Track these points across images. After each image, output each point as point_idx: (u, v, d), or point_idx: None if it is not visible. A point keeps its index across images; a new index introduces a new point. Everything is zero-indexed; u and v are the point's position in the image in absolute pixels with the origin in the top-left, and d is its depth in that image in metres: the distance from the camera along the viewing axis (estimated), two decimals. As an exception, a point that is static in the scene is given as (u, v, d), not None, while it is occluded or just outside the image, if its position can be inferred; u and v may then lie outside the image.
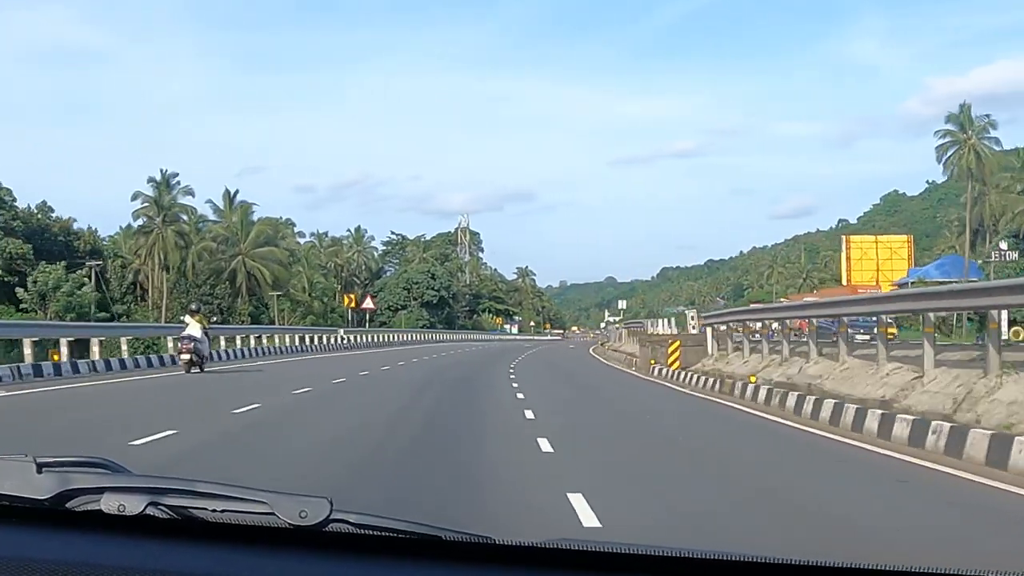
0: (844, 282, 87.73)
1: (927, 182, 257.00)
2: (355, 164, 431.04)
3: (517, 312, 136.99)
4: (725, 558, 1.42)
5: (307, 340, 50.61)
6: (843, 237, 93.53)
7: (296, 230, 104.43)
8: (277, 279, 66.16)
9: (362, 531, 1.47)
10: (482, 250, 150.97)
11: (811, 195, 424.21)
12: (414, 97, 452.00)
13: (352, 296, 58.86)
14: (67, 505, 1.53)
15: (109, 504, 1.50)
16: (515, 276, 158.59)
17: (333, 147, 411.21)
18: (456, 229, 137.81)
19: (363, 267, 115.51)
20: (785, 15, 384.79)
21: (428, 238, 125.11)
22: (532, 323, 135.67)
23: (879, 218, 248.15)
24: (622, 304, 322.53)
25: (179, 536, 1.50)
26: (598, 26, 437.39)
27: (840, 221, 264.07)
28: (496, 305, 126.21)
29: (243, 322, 60.06)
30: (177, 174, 67.51)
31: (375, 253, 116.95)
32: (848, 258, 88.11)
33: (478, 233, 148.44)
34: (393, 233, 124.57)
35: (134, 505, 1.50)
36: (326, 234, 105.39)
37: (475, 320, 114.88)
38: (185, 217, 67.14)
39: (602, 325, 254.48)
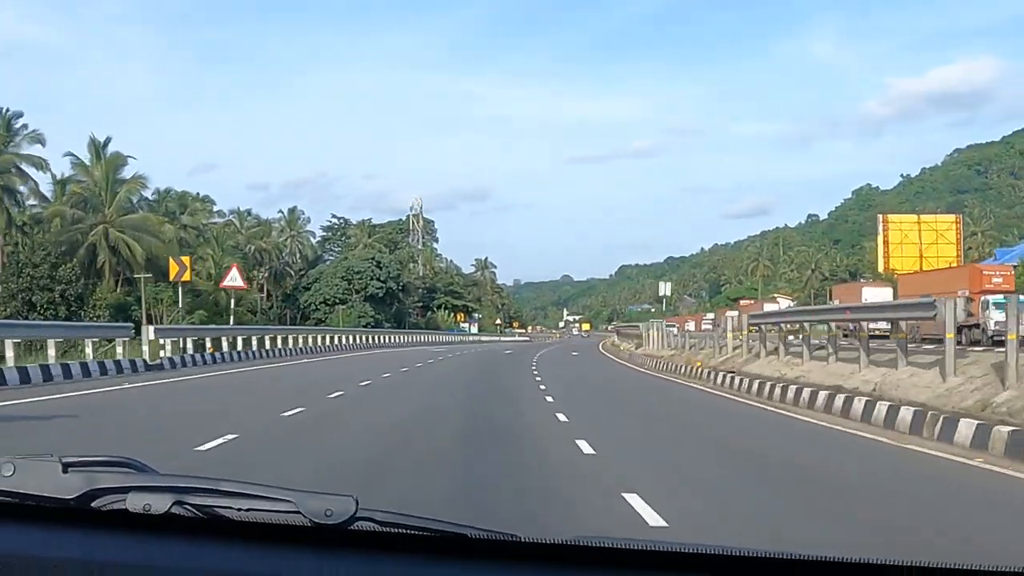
0: (881, 269, 71.34)
1: (901, 175, 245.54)
2: (309, 162, 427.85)
3: (477, 308, 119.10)
4: (758, 555, 1.40)
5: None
6: (879, 217, 76.71)
7: (216, 209, 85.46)
8: (156, 258, 47.24)
9: (388, 529, 1.46)
10: (436, 240, 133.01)
11: (770, 193, 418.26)
12: (370, 95, 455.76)
13: (185, 260, 38.92)
14: (93, 504, 1.52)
15: (135, 503, 1.49)
16: (473, 269, 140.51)
17: (287, 145, 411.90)
18: (408, 216, 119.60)
19: (298, 255, 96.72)
20: (742, 16, 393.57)
21: (375, 222, 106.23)
22: (497, 321, 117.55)
23: (852, 212, 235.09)
24: (584, 302, 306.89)
25: (205, 535, 1.49)
26: (555, 26, 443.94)
27: (810, 216, 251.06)
28: (453, 301, 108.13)
29: (97, 317, 41.39)
30: (21, 114, 48.75)
31: (312, 239, 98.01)
32: (886, 241, 71.47)
33: (432, 221, 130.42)
34: (334, 216, 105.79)
35: (160, 504, 1.49)
36: (248, 212, 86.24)
37: (429, 317, 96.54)
38: (33, 172, 48.13)
39: (561, 324, 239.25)
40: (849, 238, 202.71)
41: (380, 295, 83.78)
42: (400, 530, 1.46)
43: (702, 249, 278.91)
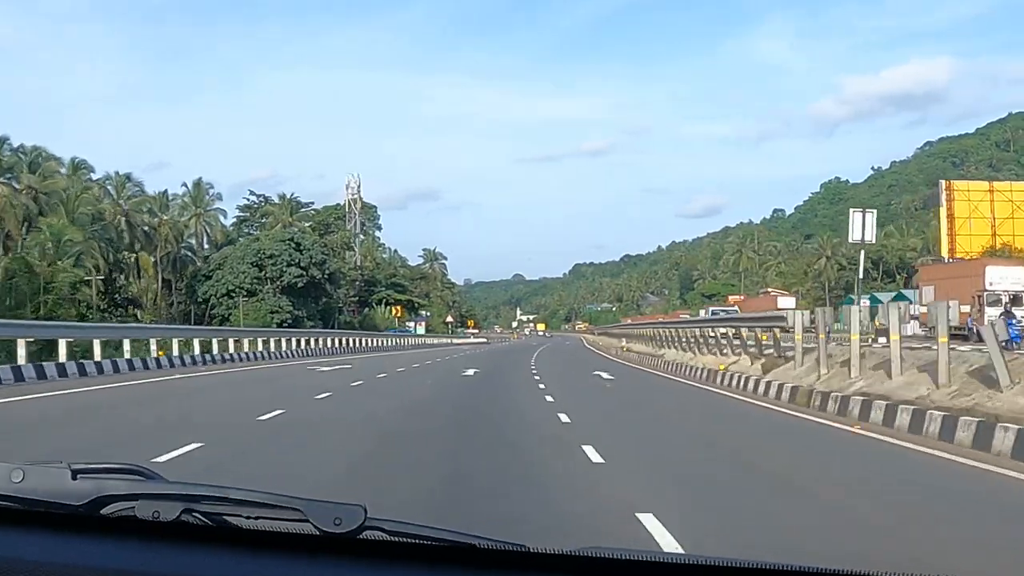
0: (946, 251, 55.04)
1: (872, 168, 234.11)
2: (262, 162, 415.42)
3: (425, 305, 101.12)
4: (771, 568, 1.40)
5: None
6: (942, 183, 60.24)
7: (96, 177, 66.52)
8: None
9: (396, 539, 1.46)
10: (379, 228, 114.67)
11: (725, 192, 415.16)
12: (321, 95, 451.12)
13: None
14: (102, 511, 1.51)
15: (144, 511, 1.49)
16: (421, 261, 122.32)
17: (240, 144, 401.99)
18: (346, 199, 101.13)
19: (205, 237, 78.01)
20: (694, 17, 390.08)
21: (302, 199, 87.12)
22: (447, 319, 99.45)
23: (821, 206, 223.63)
24: (538, 301, 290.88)
25: (213, 543, 1.49)
26: (509, 26, 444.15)
27: (775, 211, 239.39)
28: (396, 295, 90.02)
29: None
30: None
31: (222, 219, 79.21)
32: (951, 216, 55.16)
33: (374, 207, 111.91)
34: (253, 194, 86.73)
35: (169, 512, 1.48)
36: (128, 177, 67.28)
37: (366, 314, 78.11)
38: None
39: (514, 324, 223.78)
40: (821, 232, 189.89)
41: (300, 285, 65.43)
42: (409, 539, 1.45)
43: (659, 247, 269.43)
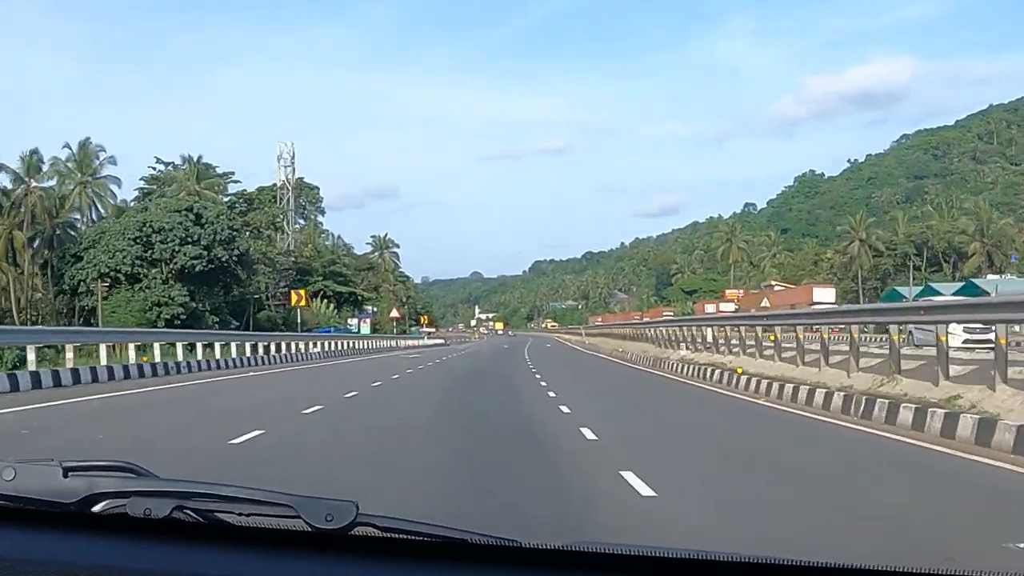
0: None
1: (848, 161, 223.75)
2: (218, 159, 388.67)
3: (373, 299, 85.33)
4: (754, 561, 1.40)
5: None
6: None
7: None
8: None
9: (388, 535, 1.44)
10: (322, 212, 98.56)
11: (685, 191, 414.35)
12: (278, 92, 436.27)
13: None
14: (93, 509, 1.50)
15: (135, 508, 1.47)
16: (370, 249, 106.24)
17: (197, 143, 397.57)
18: (278, 172, 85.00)
19: (94, 213, 61.56)
20: (654, 17, 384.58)
21: (220, 170, 70.15)
22: (393, 314, 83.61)
23: (795, 200, 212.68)
24: (498, 299, 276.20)
25: (205, 540, 1.48)
26: (468, 25, 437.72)
27: (747, 205, 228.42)
28: (336, 286, 74.10)
29: None
30: None
31: (114, 190, 62.68)
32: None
33: (317, 187, 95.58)
34: (160, 162, 69.74)
35: (160, 509, 1.47)
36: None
37: (291, 310, 61.81)
38: None
39: (472, 323, 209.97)
40: (798, 227, 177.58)
41: (199, 269, 49.34)
42: (400, 535, 1.44)
43: (622, 244, 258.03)
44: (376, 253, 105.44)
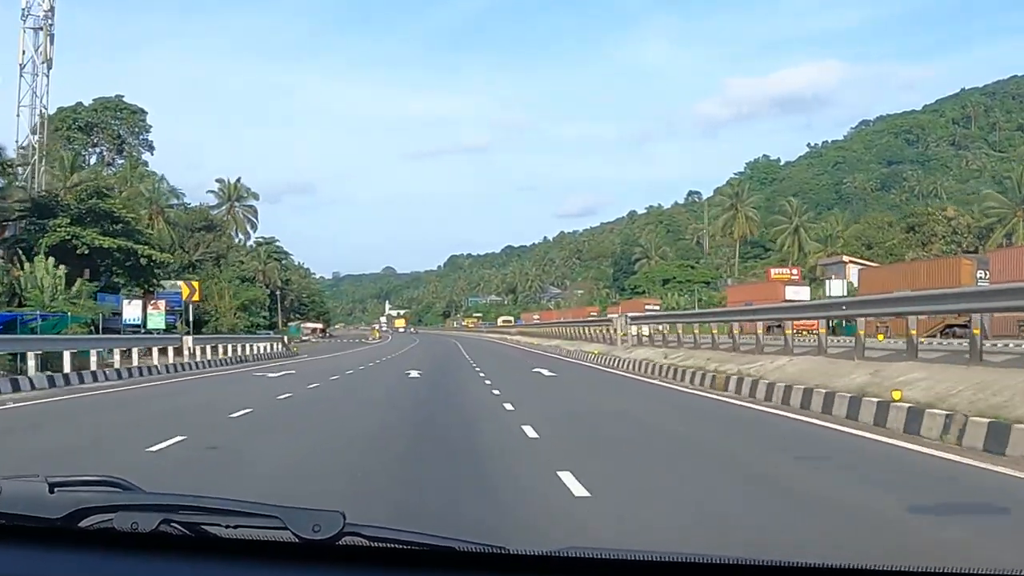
0: None
1: (808, 145, 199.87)
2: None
3: (202, 271, 51.52)
4: (739, 563, 1.38)
5: None
6: None
7: None
8: None
9: (375, 544, 1.41)
10: (150, 147, 64.30)
11: (604, 191, 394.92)
12: (195, 84, 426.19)
13: None
14: (80, 524, 1.46)
15: (122, 522, 1.44)
16: (214, 198, 71.42)
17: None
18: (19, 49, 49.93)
19: None
20: (575, 17, 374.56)
21: None
22: (232, 307, 49.39)
23: (750, 187, 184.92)
24: (411, 294, 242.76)
25: (193, 553, 1.45)
26: (387, 20, 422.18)
27: (691, 193, 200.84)
28: (100, 238, 39.18)
29: None
30: None
31: None
32: None
33: (142, 110, 61.01)
34: None
35: (147, 523, 1.43)
36: None
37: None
38: None
39: (382, 319, 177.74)
40: (759, 213, 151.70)
41: None
42: (388, 544, 1.41)
43: (545, 238, 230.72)
44: (223, 205, 70.72)
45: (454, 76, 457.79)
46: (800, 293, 46.52)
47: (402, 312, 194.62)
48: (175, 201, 56.30)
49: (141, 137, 64.40)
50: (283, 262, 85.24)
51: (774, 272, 57.51)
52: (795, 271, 57.86)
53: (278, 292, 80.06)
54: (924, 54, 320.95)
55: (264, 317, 61.46)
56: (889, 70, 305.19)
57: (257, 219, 73.53)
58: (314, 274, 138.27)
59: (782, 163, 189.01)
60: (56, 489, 1.46)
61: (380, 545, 1.39)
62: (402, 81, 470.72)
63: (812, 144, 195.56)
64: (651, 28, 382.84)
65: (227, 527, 1.43)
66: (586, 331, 43.83)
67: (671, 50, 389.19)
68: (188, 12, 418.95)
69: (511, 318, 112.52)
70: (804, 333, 43.27)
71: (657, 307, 60.20)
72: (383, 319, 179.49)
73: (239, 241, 72.96)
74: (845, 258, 59.70)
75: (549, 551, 1.39)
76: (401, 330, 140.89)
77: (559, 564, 1.39)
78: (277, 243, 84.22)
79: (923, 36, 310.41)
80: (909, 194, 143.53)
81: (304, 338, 78.16)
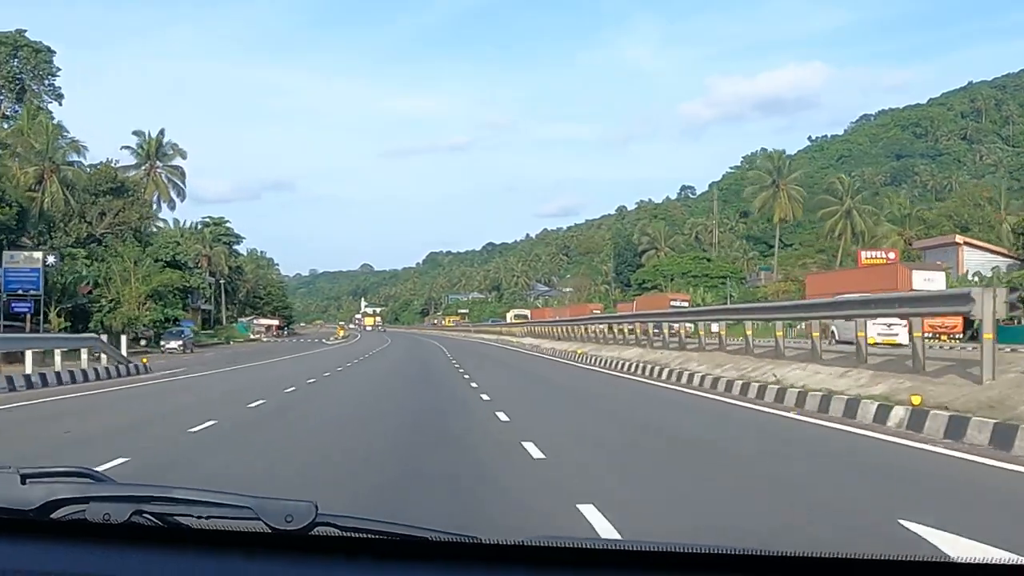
0: None
1: (809, 139, 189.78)
2: (110, 149, 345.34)
3: (95, 249, 38.97)
4: (715, 551, 1.37)
5: None
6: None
7: None
8: None
9: (348, 534, 1.41)
10: (58, 95, 51.53)
11: (587, 191, 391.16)
12: (175, 81, 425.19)
13: None
14: (52, 516, 1.46)
15: (95, 513, 1.43)
16: (131, 157, 58.23)
17: (87, 130, 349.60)
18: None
19: None
20: (557, 17, 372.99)
21: None
22: (140, 294, 36.66)
23: (748, 183, 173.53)
24: (388, 291, 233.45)
25: (165, 544, 1.45)
26: (369, 19, 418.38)
27: (684, 188, 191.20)
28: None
29: None
30: None
31: None
32: None
33: (49, 49, 48.37)
34: None
35: (119, 514, 1.43)
36: None
37: None
38: None
39: (357, 317, 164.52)
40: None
41: None
42: (361, 534, 1.40)
43: (528, 235, 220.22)
44: (141, 166, 57.68)
45: (436, 75, 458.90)
46: (934, 281, 33.74)
47: (377, 310, 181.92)
48: (74, 156, 43.78)
49: (46, 80, 51.59)
50: (233, 247, 72.25)
51: (865, 256, 44.68)
52: (891, 253, 45.13)
53: (224, 282, 66.99)
54: (923, 52, 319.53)
55: (186, 309, 48.76)
56: (878, 70, 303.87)
57: (184, 183, 60.29)
58: (278, 267, 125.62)
59: (784, 156, 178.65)
60: (28, 480, 1.44)
61: (353, 535, 1.38)
62: (383, 79, 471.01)
63: (813, 137, 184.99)
64: (634, 29, 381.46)
65: (199, 518, 1.41)
66: (616, 331, 31.72)
67: (655, 50, 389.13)
68: (166, 7, 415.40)
69: (526, 312, 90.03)
70: (943, 338, 30.99)
71: (687, 303, 48.46)
72: (357, 316, 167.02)
73: (163, 212, 60.07)
74: (959, 238, 47.71)
75: (521, 541, 1.37)
76: (370, 328, 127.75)
77: (531, 553, 1.37)
78: (227, 224, 71.37)
79: (925, 35, 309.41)
80: (922, 188, 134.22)
81: (253, 336, 65.29)
